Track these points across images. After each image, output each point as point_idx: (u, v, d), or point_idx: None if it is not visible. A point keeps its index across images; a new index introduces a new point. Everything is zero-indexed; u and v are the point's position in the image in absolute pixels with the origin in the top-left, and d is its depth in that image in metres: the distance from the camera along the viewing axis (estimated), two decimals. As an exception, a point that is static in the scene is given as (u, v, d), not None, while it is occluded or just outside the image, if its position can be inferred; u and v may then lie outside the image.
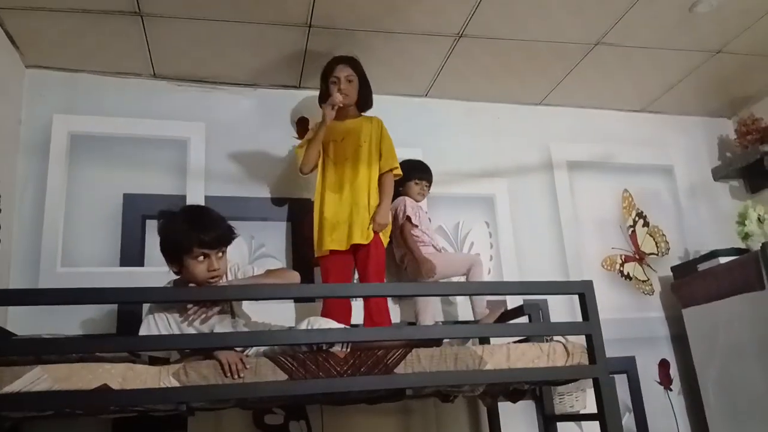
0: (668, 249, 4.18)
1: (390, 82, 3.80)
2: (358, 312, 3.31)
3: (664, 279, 4.07)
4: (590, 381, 2.50)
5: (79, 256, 3.26)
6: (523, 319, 3.09)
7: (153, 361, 2.29)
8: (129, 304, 3.11)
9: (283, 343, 2.34)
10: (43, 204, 3.27)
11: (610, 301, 3.81)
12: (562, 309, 3.70)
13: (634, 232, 4.15)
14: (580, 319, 2.52)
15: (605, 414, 2.36)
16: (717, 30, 3.56)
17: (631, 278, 4.04)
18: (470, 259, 3.42)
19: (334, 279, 3.13)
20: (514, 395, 2.94)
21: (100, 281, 3.14)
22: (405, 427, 3.35)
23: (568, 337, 2.61)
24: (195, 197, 3.45)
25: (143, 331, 2.42)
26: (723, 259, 3.64)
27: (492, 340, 2.96)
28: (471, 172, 3.95)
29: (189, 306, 2.42)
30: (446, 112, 4.04)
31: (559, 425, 3.20)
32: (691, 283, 3.79)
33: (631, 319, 3.90)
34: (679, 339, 3.90)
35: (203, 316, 2.44)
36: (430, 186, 3.55)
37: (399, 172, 3.32)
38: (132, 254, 3.33)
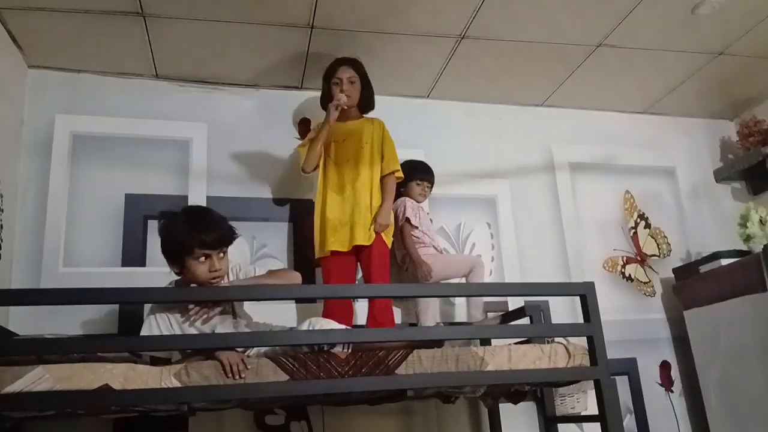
0: (670, 251, 4.18)
1: (392, 83, 3.81)
2: (360, 314, 3.33)
3: (665, 281, 4.07)
4: (591, 382, 2.50)
5: (80, 257, 3.27)
6: (525, 321, 3.09)
7: (154, 362, 2.29)
8: (130, 305, 3.12)
9: (284, 343, 2.34)
10: (45, 204, 3.28)
11: (611, 303, 3.81)
12: (564, 310, 3.69)
13: (635, 233, 4.15)
14: (581, 320, 2.52)
15: (606, 415, 2.36)
16: (719, 32, 3.56)
17: (632, 280, 4.04)
18: (471, 261, 3.42)
19: (335, 280, 3.13)
20: (515, 396, 2.94)
21: (101, 281, 3.15)
22: (406, 427, 3.35)
23: (570, 338, 2.61)
24: (197, 198, 3.45)
25: (145, 332, 2.43)
26: (725, 261, 3.63)
27: (493, 341, 2.96)
28: (472, 173, 3.95)
29: (190, 306, 2.42)
30: (448, 113, 4.04)
31: (560, 427, 3.19)
32: (693, 285, 3.79)
33: (633, 321, 3.89)
34: (681, 341, 3.90)
35: (205, 316, 2.43)
36: (431, 187, 3.55)
37: (401, 174, 3.33)
38: (134, 254, 3.33)
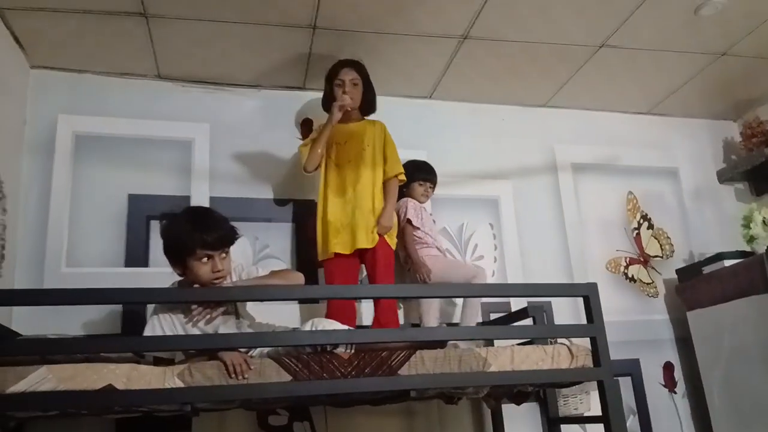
0: (673, 251, 4.17)
1: (394, 84, 3.81)
2: (364, 315, 3.33)
3: (668, 282, 4.06)
4: (594, 383, 2.50)
5: (83, 257, 3.27)
6: (528, 322, 3.09)
7: (157, 362, 2.29)
8: (133, 305, 3.12)
9: (287, 344, 2.35)
10: (48, 204, 3.28)
11: (614, 304, 3.80)
12: (567, 311, 3.69)
13: (638, 234, 4.15)
14: (584, 321, 2.52)
15: (609, 416, 2.36)
16: (722, 32, 3.56)
17: (635, 281, 4.04)
18: (473, 270, 3.36)
19: (338, 282, 3.13)
20: (518, 397, 2.94)
21: (104, 282, 3.15)
22: (409, 428, 3.35)
23: (573, 339, 2.61)
24: (199, 198, 3.46)
25: (148, 332, 2.43)
26: (728, 262, 3.63)
27: (496, 342, 2.96)
28: (475, 173, 3.95)
29: (193, 307, 2.43)
30: (451, 114, 4.04)
31: (563, 428, 3.19)
32: (696, 286, 3.78)
33: (636, 322, 3.89)
34: (684, 342, 3.90)
35: (208, 316, 2.43)
36: (434, 187, 3.55)
37: (403, 177, 3.34)
38: (136, 255, 3.33)
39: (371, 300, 3.27)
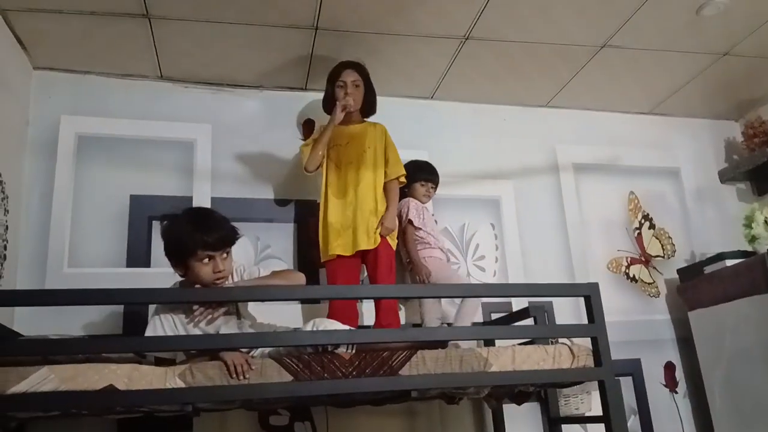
0: (674, 251, 4.17)
1: (396, 84, 3.81)
2: (366, 315, 3.33)
3: (670, 281, 4.06)
4: (596, 383, 2.50)
5: (85, 257, 3.27)
6: (529, 322, 3.09)
7: (159, 362, 2.30)
8: (135, 305, 3.13)
9: (288, 344, 2.35)
10: (50, 205, 3.29)
11: (615, 304, 3.80)
12: (568, 311, 3.69)
13: (640, 234, 4.15)
14: (585, 321, 2.52)
15: (610, 416, 2.36)
16: (724, 32, 3.55)
17: (636, 280, 4.04)
18: None
19: (340, 283, 3.13)
20: (519, 397, 2.93)
21: (106, 282, 3.15)
22: (410, 428, 3.35)
23: (574, 339, 2.61)
24: (201, 198, 3.46)
25: (149, 332, 2.43)
26: (729, 262, 3.63)
27: (497, 342, 2.96)
28: (477, 173, 3.95)
29: (195, 307, 2.43)
30: (452, 114, 4.04)
31: (564, 428, 3.18)
32: (697, 286, 3.78)
33: (637, 322, 3.89)
34: (685, 342, 3.90)
35: (209, 317, 2.44)
36: (436, 187, 3.55)
37: (404, 179, 3.35)
38: (138, 255, 3.34)
39: (372, 300, 3.27)
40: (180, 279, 2.54)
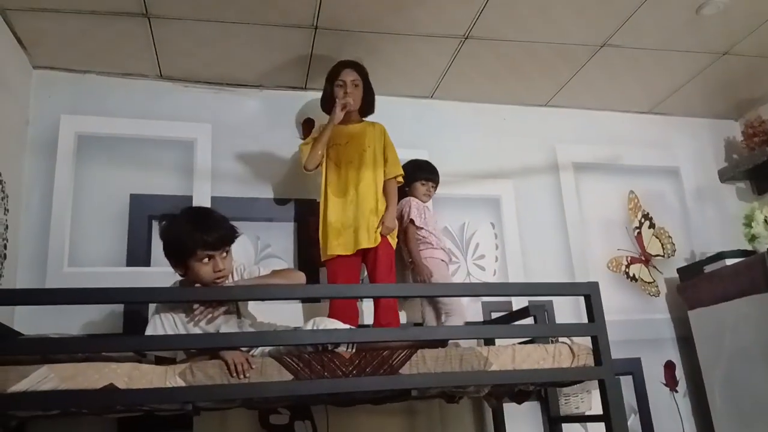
0: (674, 251, 4.17)
1: (396, 84, 3.81)
2: (365, 314, 3.33)
3: (669, 281, 4.06)
4: (596, 382, 2.50)
5: (85, 256, 3.28)
6: (529, 321, 3.09)
7: (159, 361, 2.30)
8: (135, 304, 3.13)
9: (288, 343, 2.35)
10: (50, 204, 3.29)
11: (615, 303, 3.80)
12: (568, 310, 3.70)
13: (640, 233, 4.15)
14: (585, 320, 2.52)
15: (611, 415, 2.36)
16: (724, 32, 3.55)
17: (636, 280, 4.04)
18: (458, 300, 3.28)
19: (341, 282, 3.13)
20: (520, 396, 2.94)
21: (106, 281, 3.16)
22: (410, 427, 3.35)
23: (574, 338, 2.61)
24: (201, 198, 3.46)
25: (149, 331, 2.43)
26: (729, 261, 3.63)
27: (497, 341, 2.96)
28: (476, 173, 3.95)
29: (195, 306, 2.43)
30: (452, 114, 4.04)
31: (565, 427, 3.19)
32: (697, 285, 3.78)
33: (637, 321, 3.89)
34: (685, 341, 3.90)
35: (209, 316, 2.44)
36: (436, 187, 3.55)
37: (401, 179, 3.36)
38: (138, 254, 3.34)
39: (372, 299, 3.27)
40: (180, 278, 2.54)
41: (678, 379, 3.86)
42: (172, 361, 2.29)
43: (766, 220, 3.73)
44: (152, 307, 2.59)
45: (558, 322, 3.59)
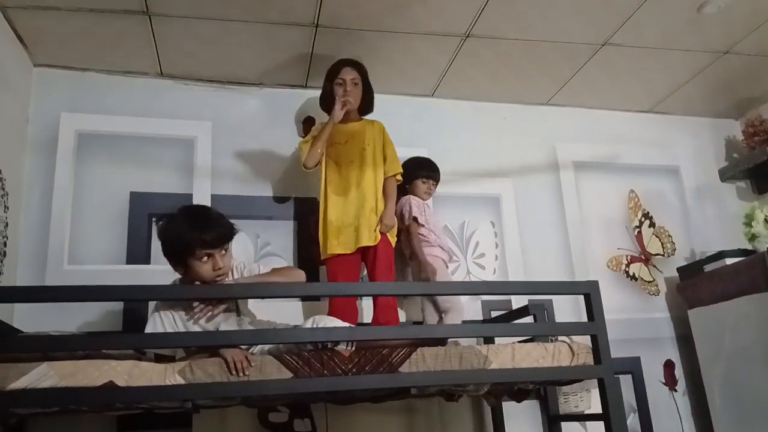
0: (674, 250, 4.17)
1: (396, 82, 3.81)
2: (365, 312, 3.33)
3: (669, 280, 4.06)
4: (595, 381, 2.50)
5: (85, 254, 3.28)
6: (528, 319, 3.09)
7: (159, 359, 2.30)
8: (135, 302, 3.13)
9: (288, 341, 2.35)
10: (50, 202, 3.29)
11: (615, 302, 3.80)
12: (568, 309, 3.69)
13: (640, 232, 4.15)
14: (585, 319, 2.52)
15: (610, 414, 2.37)
16: (724, 31, 3.55)
17: (636, 279, 4.04)
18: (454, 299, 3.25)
19: (340, 280, 3.13)
20: (519, 395, 2.94)
21: (106, 279, 3.16)
22: (409, 425, 3.35)
23: (573, 337, 2.61)
24: (201, 196, 3.46)
25: (149, 329, 2.44)
26: (729, 261, 3.63)
27: (497, 339, 2.96)
28: (477, 171, 3.95)
29: (195, 304, 2.43)
30: (452, 112, 4.04)
31: (564, 425, 3.19)
32: (697, 284, 3.78)
33: (637, 320, 3.89)
34: (685, 340, 3.90)
35: (209, 314, 2.44)
36: (437, 184, 3.54)
37: (400, 177, 3.35)
38: (138, 252, 3.34)
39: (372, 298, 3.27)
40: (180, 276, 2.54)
41: (677, 378, 3.86)
42: (171, 359, 2.30)
43: (766, 220, 3.73)
44: (152, 304, 2.59)
45: (558, 320, 3.60)
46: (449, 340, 2.65)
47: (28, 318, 2.95)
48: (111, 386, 2.01)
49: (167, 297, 2.47)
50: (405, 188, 3.44)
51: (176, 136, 3.58)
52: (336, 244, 3.15)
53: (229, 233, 2.47)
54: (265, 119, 3.74)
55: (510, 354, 2.39)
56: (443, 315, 3.22)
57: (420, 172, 3.48)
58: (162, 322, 2.43)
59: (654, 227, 4.19)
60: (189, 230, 2.39)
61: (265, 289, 2.46)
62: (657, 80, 4.04)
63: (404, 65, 3.69)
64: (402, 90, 3.90)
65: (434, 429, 3.37)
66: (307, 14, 3.20)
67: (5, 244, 3.01)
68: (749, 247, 3.78)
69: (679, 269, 3.98)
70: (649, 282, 4.05)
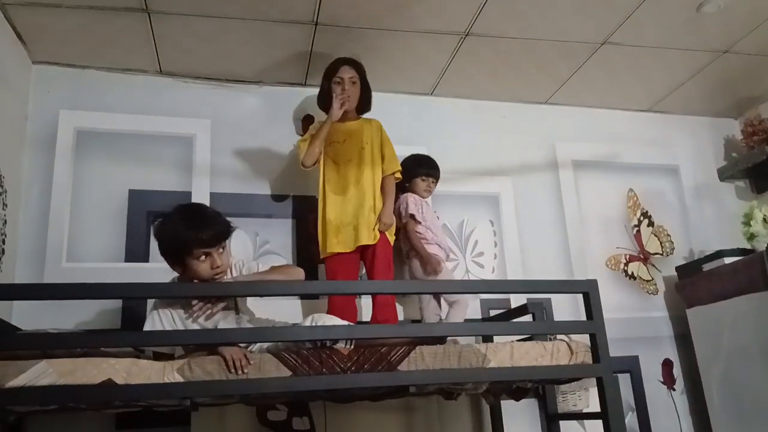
0: (673, 249, 4.17)
1: (396, 81, 3.81)
2: (364, 310, 3.33)
3: (668, 279, 4.06)
4: (593, 380, 2.51)
5: (84, 252, 3.27)
6: (527, 318, 3.09)
7: (157, 357, 2.30)
8: (133, 300, 3.13)
9: (286, 339, 2.35)
10: (49, 199, 3.28)
11: (614, 301, 3.81)
12: (566, 308, 3.70)
13: (638, 231, 4.15)
14: (584, 318, 2.52)
15: (608, 413, 2.37)
16: (724, 30, 3.55)
17: (635, 278, 4.04)
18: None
19: (340, 279, 3.13)
20: (517, 393, 2.94)
21: (104, 276, 3.14)
22: (408, 424, 3.35)
23: (572, 335, 2.61)
24: (200, 194, 3.46)
25: (148, 327, 2.44)
26: (728, 260, 3.63)
27: (496, 338, 2.96)
28: (476, 170, 3.95)
29: (193, 302, 2.43)
30: (451, 111, 4.04)
31: (562, 424, 3.20)
32: (696, 283, 3.78)
33: (635, 319, 3.89)
34: (683, 339, 3.90)
35: (208, 312, 2.44)
36: (437, 182, 3.54)
37: (399, 176, 3.35)
38: (137, 250, 3.33)
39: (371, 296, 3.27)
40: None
41: (676, 377, 3.87)
42: (170, 357, 2.30)
43: (765, 219, 3.74)
44: (150, 302, 2.59)
45: (556, 319, 3.60)
46: (448, 338, 2.65)
47: (26, 315, 2.95)
48: (109, 384, 2.02)
49: (166, 295, 2.46)
50: (405, 186, 3.44)
51: (175, 133, 3.58)
52: (335, 242, 3.15)
53: (225, 231, 2.47)
54: (264, 117, 3.74)
55: (509, 352, 2.39)
56: (450, 306, 3.21)
57: (419, 169, 3.48)
58: (161, 320, 2.43)
59: (653, 226, 4.19)
60: (185, 229, 2.39)
61: (263, 287, 2.46)
62: (656, 79, 4.04)
63: (404, 64, 3.69)
64: (401, 88, 3.90)
65: (433, 427, 3.37)
66: (306, 12, 3.20)
67: (4, 242, 3.01)
68: (748, 246, 3.78)
69: (677, 268, 3.98)
70: (647, 281, 4.05)
